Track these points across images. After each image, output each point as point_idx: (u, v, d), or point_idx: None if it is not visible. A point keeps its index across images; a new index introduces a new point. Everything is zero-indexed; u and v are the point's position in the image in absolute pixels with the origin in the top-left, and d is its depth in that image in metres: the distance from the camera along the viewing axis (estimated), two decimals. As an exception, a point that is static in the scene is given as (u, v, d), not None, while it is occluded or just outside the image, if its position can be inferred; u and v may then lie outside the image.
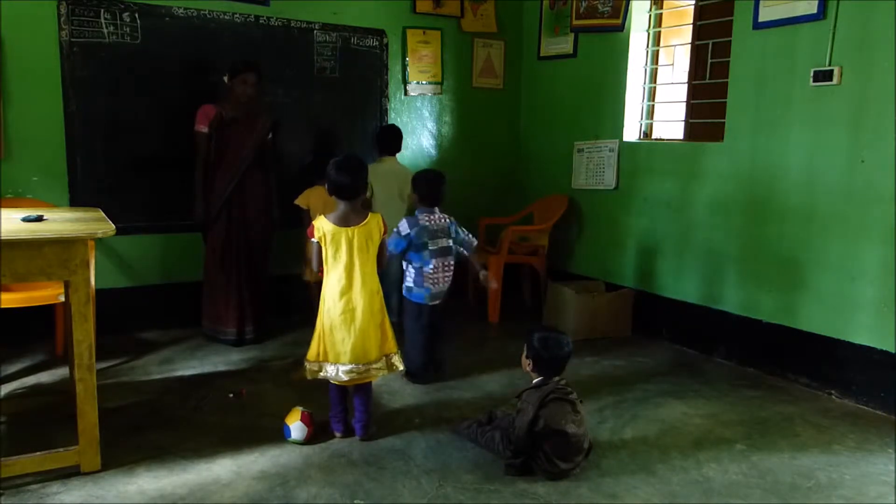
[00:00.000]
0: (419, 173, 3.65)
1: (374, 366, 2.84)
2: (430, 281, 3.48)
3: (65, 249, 2.40)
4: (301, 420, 2.83)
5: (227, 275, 4.00)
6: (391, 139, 4.45)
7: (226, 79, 3.95)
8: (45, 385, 3.41)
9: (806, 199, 3.63)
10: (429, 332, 3.54)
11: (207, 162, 3.96)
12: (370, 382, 2.91)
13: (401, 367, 2.95)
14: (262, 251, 4.13)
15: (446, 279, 3.54)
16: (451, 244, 3.54)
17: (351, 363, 2.78)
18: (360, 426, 2.90)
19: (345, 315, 2.79)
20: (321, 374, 2.82)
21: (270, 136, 4.10)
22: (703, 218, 4.17)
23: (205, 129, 3.91)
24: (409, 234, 3.42)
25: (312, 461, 2.70)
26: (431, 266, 3.47)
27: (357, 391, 2.89)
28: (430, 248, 3.46)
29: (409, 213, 3.72)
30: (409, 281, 3.52)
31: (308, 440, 2.83)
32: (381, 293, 2.89)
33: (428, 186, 3.52)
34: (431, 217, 3.49)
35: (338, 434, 2.90)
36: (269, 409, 3.15)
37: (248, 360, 3.85)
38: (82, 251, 2.45)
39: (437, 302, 3.54)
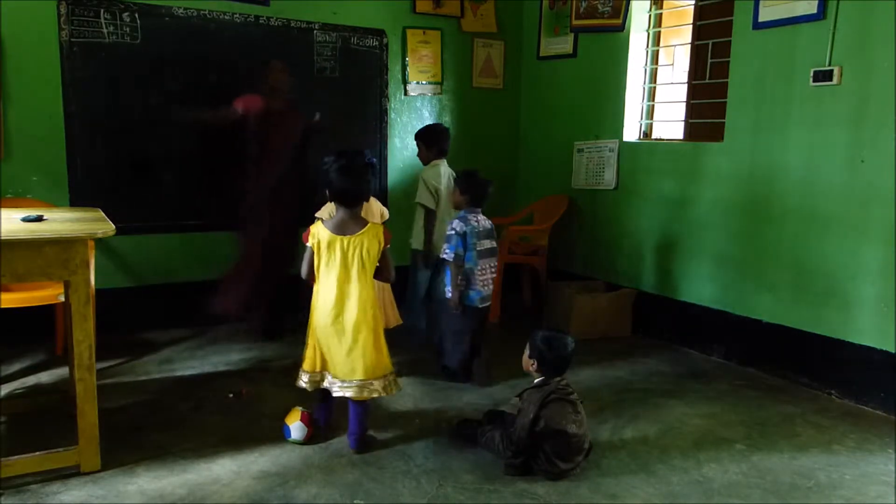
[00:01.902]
0: (467, 173, 3.54)
1: (372, 385, 2.71)
2: (480, 282, 3.46)
3: (65, 249, 2.40)
4: (301, 420, 2.82)
5: (258, 270, 4.03)
6: (448, 138, 4.03)
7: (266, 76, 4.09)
8: (45, 385, 3.42)
9: (806, 199, 3.63)
10: (478, 334, 3.53)
11: (215, 119, 4.00)
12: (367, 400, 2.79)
13: (399, 388, 2.85)
14: (290, 250, 4.09)
15: (493, 280, 3.53)
16: (495, 246, 3.54)
17: (342, 379, 2.71)
18: (353, 439, 2.78)
19: (335, 328, 2.68)
20: (324, 383, 2.76)
21: (318, 116, 4.18)
22: (703, 218, 4.17)
23: (240, 109, 3.97)
24: (465, 230, 3.39)
25: (312, 461, 2.70)
26: (479, 267, 3.45)
27: (353, 407, 2.77)
28: (477, 249, 3.43)
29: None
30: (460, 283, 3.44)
31: (308, 440, 2.82)
32: (377, 308, 2.76)
33: (478, 187, 3.48)
34: (478, 218, 3.48)
35: (321, 423, 2.88)
36: (269, 409, 3.15)
37: (248, 360, 3.85)
38: (82, 251, 2.45)
39: (487, 304, 3.53)
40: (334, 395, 2.74)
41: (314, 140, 4.19)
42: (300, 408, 2.87)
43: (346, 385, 2.71)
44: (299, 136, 4.12)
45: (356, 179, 2.69)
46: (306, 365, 2.79)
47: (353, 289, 2.67)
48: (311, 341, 2.77)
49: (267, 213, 4.02)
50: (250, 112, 3.97)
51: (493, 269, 3.53)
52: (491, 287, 3.53)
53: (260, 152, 4.02)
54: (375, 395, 2.73)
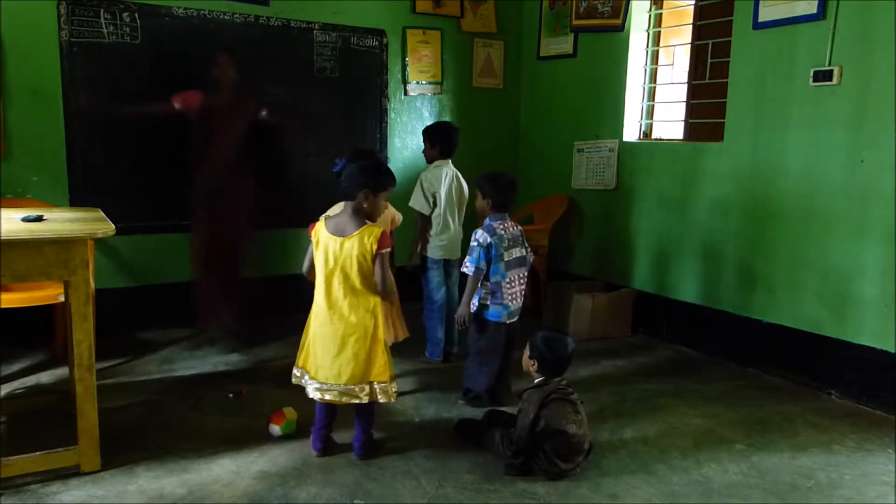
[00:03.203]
0: (489, 176, 3.26)
1: (354, 391, 2.60)
2: (509, 296, 3.18)
3: (65, 249, 2.41)
4: (272, 421, 2.89)
5: (209, 273, 3.98)
6: (454, 138, 3.87)
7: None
8: (45, 385, 3.42)
9: (806, 199, 3.63)
10: (504, 354, 3.24)
11: (149, 114, 3.94)
12: (371, 406, 2.70)
13: (393, 399, 2.69)
14: (239, 250, 4.07)
15: (522, 293, 3.27)
16: (525, 254, 3.28)
17: (322, 381, 2.62)
18: (358, 444, 2.74)
19: (323, 329, 2.63)
20: (302, 382, 2.72)
21: (264, 113, 4.12)
22: (703, 218, 4.17)
23: (177, 105, 3.91)
24: (489, 242, 3.12)
25: (312, 461, 2.70)
26: (508, 279, 3.18)
27: (358, 414, 2.73)
28: (505, 259, 3.16)
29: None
30: (482, 297, 3.20)
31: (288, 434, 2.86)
32: (376, 312, 2.63)
33: (504, 190, 3.23)
34: (505, 225, 3.21)
35: (315, 452, 2.73)
36: (269, 409, 3.14)
37: (248, 360, 3.85)
38: (82, 251, 2.45)
39: (515, 320, 3.26)
40: (310, 396, 2.66)
41: (279, 135, 4.12)
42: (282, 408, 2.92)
43: (326, 388, 2.62)
44: (245, 131, 4.01)
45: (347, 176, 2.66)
46: (298, 360, 2.76)
47: (342, 292, 2.59)
48: (305, 336, 2.74)
49: (209, 211, 3.92)
50: (189, 108, 3.89)
51: (522, 280, 3.25)
52: (521, 300, 3.25)
53: (201, 149, 3.91)
54: (356, 401, 2.62)
